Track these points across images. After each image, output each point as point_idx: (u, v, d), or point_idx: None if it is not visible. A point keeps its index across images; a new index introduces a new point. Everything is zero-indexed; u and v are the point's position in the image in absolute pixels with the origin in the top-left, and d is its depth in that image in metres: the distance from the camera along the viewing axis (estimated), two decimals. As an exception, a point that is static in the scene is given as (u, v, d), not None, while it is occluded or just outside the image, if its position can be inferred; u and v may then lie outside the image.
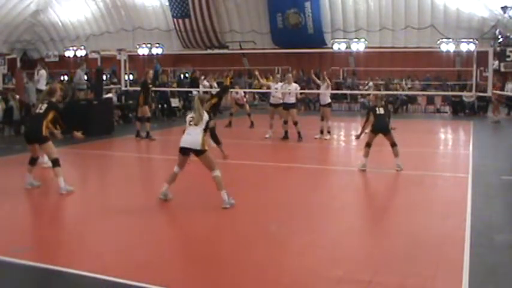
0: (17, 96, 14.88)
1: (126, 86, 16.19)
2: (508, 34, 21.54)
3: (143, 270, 4.58)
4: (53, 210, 6.75)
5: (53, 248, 5.14)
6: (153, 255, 5.12)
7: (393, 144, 9.20)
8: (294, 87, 13.33)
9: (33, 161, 7.63)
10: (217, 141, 9.85)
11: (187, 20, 27.56)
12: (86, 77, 18.69)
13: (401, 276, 4.46)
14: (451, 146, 14.03)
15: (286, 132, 13.19)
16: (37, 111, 7.53)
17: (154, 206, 6.88)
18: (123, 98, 18.97)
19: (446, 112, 22.50)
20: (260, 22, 27.27)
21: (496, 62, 19.72)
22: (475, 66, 13.60)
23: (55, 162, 7.42)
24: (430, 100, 23.17)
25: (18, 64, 21.36)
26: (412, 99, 22.88)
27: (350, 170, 9.54)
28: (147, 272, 4.51)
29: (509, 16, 21.27)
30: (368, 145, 9.22)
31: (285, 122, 13.19)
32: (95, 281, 4.30)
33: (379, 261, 4.82)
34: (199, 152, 6.53)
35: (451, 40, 21.45)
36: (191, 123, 6.61)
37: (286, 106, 13.22)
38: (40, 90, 15.77)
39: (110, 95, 17.48)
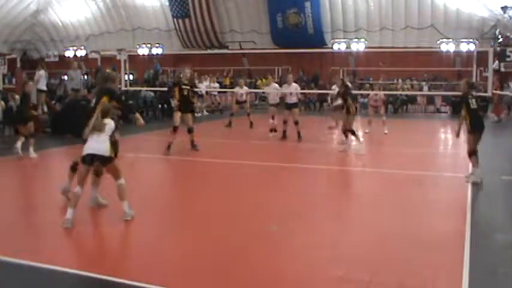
0: (17, 96, 14.87)
1: (126, 86, 16.19)
2: (508, 34, 21.53)
3: (143, 270, 4.58)
4: (53, 211, 6.74)
5: (53, 248, 5.14)
6: (153, 255, 5.12)
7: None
8: (294, 87, 13.41)
9: (97, 173, 6.49)
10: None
11: (187, 20, 27.57)
12: (85, 77, 18.68)
13: (401, 276, 4.45)
14: (451, 146, 14.03)
15: (284, 131, 13.29)
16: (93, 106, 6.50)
17: (153, 206, 6.88)
18: (123, 98, 18.95)
19: (446, 112, 22.52)
20: (260, 22, 27.27)
21: (496, 62, 19.70)
22: (475, 66, 13.62)
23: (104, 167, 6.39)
24: (430, 100, 23.19)
25: (18, 64, 21.37)
26: (412, 99, 22.90)
27: (350, 170, 9.54)
28: (147, 272, 4.51)
29: (509, 16, 21.25)
30: (473, 152, 7.88)
31: (285, 122, 13.24)
32: (95, 281, 4.30)
33: (379, 261, 4.81)
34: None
35: (451, 40, 21.47)
36: None
37: (288, 106, 13.28)
38: (40, 90, 15.81)
39: (109, 95, 17.45)
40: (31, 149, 10.78)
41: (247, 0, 26.79)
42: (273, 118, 14.01)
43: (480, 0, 22.40)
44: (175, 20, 27.90)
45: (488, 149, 11.40)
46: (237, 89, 17.07)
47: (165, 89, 20.32)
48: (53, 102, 17.09)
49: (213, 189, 7.95)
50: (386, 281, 4.35)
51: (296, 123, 13.01)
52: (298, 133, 13.00)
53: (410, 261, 4.83)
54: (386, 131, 14.23)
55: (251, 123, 16.19)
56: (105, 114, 6.15)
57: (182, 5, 27.13)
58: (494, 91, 13.02)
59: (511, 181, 8.47)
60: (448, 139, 15.60)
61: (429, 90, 23.23)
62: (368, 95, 14.46)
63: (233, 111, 16.65)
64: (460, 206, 6.79)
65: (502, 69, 20.34)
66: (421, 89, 23.17)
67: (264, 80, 25.93)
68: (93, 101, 6.47)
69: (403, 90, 22.26)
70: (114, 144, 6.11)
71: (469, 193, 7.49)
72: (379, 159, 9.98)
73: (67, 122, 14.13)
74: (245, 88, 17.19)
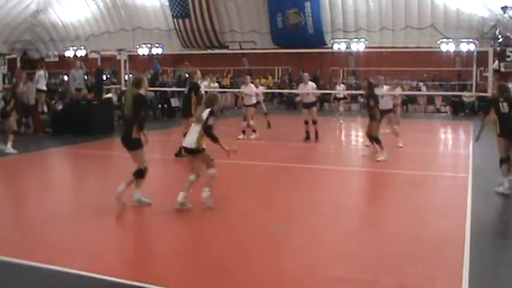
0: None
1: (126, 86, 16.19)
2: (508, 34, 21.52)
3: (143, 270, 4.58)
4: (53, 211, 6.74)
5: (53, 248, 5.14)
6: (153, 255, 5.12)
7: None
8: (311, 86, 13.26)
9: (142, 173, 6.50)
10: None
11: (187, 20, 27.55)
12: (85, 77, 18.70)
13: (401, 276, 4.46)
14: (451, 146, 14.03)
15: (307, 132, 13.09)
16: (126, 112, 6.52)
17: (153, 206, 6.88)
18: (123, 98, 18.97)
19: (446, 112, 22.52)
20: (260, 22, 27.25)
21: (496, 62, 19.70)
22: (475, 66, 13.61)
23: (139, 173, 6.51)
24: (430, 100, 23.19)
25: (18, 64, 21.38)
26: (412, 99, 22.89)
27: (350, 170, 9.54)
28: (147, 272, 4.51)
29: (509, 16, 21.24)
30: (504, 160, 7.51)
31: (306, 122, 13.07)
32: (95, 281, 4.30)
33: (379, 261, 4.81)
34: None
35: (451, 40, 21.46)
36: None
37: (307, 105, 13.16)
38: (40, 90, 15.82)
39: (109, 95, 17.50)
40: (9, 145, 10.84)
41: (247, 0, 26.78)
42: (252, 118, 13.75)
43: (480, 0, 22.38)
44: (175, 20, 27.88)
45: (488, 149, 11.39)
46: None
47: (166, 89, 20.35)
48: (53, 102, 17.09)
49: (212, 189, 7.94)
50: (386, 281, 4.35)
51: (314, 122, 12.92)
52: (316, 133, 12.93)
53: (411, 261, 4.83)
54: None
55: (268, 123, 15.69)
56: (209, 105, 6.56)
57: (182, 5, 27.11)
58: (494, 91, 12.96)
59: (511, 181, 8.45)
60: (448, 139, 15.62)
61: (427, 90, 23.21)
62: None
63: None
64: (460, 206, 6.79)
65: (502, 69, 20.34)
66: (418, 90, 23.16)
67: (270, 78, 25.99)
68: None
69: (403, 90, 22.23)
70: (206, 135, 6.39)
71: (469, 193, 7.49)
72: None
73: (67, 122, 14.16)
74: (261, 88, 16.81)
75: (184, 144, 6.58)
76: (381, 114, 11.27)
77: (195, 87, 10.27)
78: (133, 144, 6.39)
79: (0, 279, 4.42)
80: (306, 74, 14.03)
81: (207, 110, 6.51)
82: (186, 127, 9.95)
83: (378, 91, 11.84)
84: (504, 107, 7.50)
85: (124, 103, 6.61)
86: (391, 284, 4.30)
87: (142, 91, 6.54)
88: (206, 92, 22.27)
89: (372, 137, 10.26)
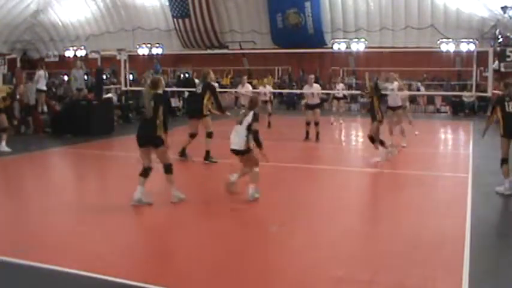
0: (17, 96, 14.88)
1: (126, 86, 16.18)
2: (508, 34, 21.50)
3: (143, 270, 4.58)
4: (53, 211, 6.74)
5: (53, 248, 5.14)
6: (153, 255, 5.12)
7: None
8: (316, 88, 13.38)
9: (146, 173, 6.71)
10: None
11: (187, 20, 27.54)
12: (85, 77, 18.70)
13: (401, 276, 4.46)
14: (451, 146, 14.03)
15: (307, 132, 13.22)
16: (149, 111, 6.63)
17: (154, 206, 6.88)
18: (123, 98, 18.99)
19: (446, 112, 22.52)
20: (260, 22, 27.25)
21: (496, 62, 19.69)
22: (475, 66, 13.60)
23: (168, 169, 6.74)
24: (430, 100, 23.18)
25: (18, 64, 21.37)
26: (411, 99, 22.85)
27: (350, 170, 9.54)
28: (147, 272, 4.51)
29: (509, 16, 21.23)
30: (505, 160, 7.44)
31: (308, 123, 13.17)
32: (95, 281, 4.30)
33: (379, 261, 4.82)
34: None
35: (451, 40, 21.45)
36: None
37: (311, 107, 13.25)
38: (40, 90, 15.82)
39: (109, 95, 17.50)
40: (3, 143, 10.94)
41: (247, 0, 26.77)
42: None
43: (480, 0, 22.38)
44: (175, 20, 27.88)
45: (488, 149, 11.40)
46: (260, 89, 16.84)
47: (165, 89, 20.29)
48: (53, 102, 17.09)
49: (213, 189, 7.95)
50: (386, 281, 4.35)
51: (316, 124, 13.03)
52: (317, 134, 13.01)
53: (411, 261, 4.83)
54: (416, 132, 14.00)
55: (269, 123, 15.89)
56: (253, 106, 6.96)
57: (182, 5, 27.11)
58: (494, 91, 12.95)
59: (511, 181, 8.45)
60: (448, 139, 15.61)
61: (427, 90, 23.20)
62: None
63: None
64: (460, 206, 6.79)
65: (502, 69, 20.33)
66: (417, 90, 23.15)
67: (270, 78, 25.95)
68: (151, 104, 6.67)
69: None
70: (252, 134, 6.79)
71: (469, 193, 7.49)
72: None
73: (67, 122, 14.16)
74: (268, 87, 16.84)
75: (232, 147, 6.93)
76: (391, 111, 11.61)
77: (212, 88, 10.07)
78: (158, 141, 6.57)
79: (0, 279, 4.42)
80: (311, 76, 14.11)
81: (251, 113, 6.84)
82: (194, 128, 10.01)
83: (388, 87, 11.90)
84: (510, 106, 7.41)
85: (143, 104, 6.88)
86: (391, 284, 4.30)
87: (160, 91, 6.75)
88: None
89: (373, 139, 10.01)
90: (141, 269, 4.61)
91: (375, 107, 9.95)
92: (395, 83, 12.11)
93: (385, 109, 11.42)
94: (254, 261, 4.86)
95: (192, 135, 10.03)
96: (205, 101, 9.93)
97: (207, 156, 9.93)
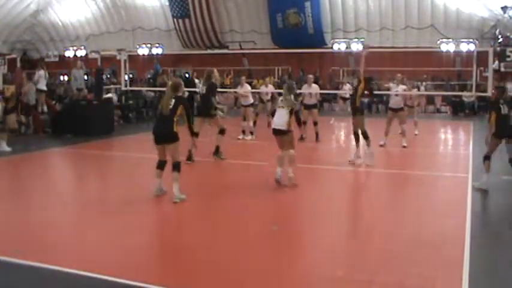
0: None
1: (126, 86, 16.18)
2: (508, 34, 21.51)
3: (143, 270, 4.58)
4: (53, 211, 6.74)
5: (53, 248, 5.14)
6: (153, 255, 5.12)
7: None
8: (315, 88, 13.36)
9: (162, 165, 7.06)
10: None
11: (187, 20, 27.54)
12: (85, 77, 18.69)
13: (401, 276, 4.46)
14: (451, 146, 14.03)
15: (302, 134, 13.17)
16: (167, 109, 7.02)
17: (154, 206, 6.89)
18: (123, 98, 18.99)
19: (446, 112, 22.52)
20: (260, 22, 27.24)
21: (496, 62, 19.69)
22: (475, 66, 13.60)
23: (177, 166, 6.97)
24: (430, 100, 23.18)
25: (18, 64, 21.36)
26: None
27: (350, 170, 9.53)
28: (147, 272, 4.51)
29: (509, 16, 21.24)
30: (488, 157, 7.85)
31: (304, 123, 13.14)
32: (95, 281, 4.30)
33: (379, 261, 4.82)
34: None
35: (451, 40, 21.45)
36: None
37: (308, 107, 13.18)
38: (40, 90, 15.82)
39: (109, 95, 17.50)
40: (3, 143, 11.09)
41: (247, 0, 26.76)
42: (252, 118, 13.84)
43: (480, 0, 22.38)
44: (175, 20, 27.87)
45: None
46: (262, 88, 16.80)
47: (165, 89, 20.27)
48: (53, 102, 17.09)
49: (213, 189, 7.95)
50: (386, 281, 4.35)
51: (315, 124, 13.02)
52: (316, 134, 12.98)
53: (410, 261, 4.83)
54: (416, 132, 14.09)
55: (269, 123, 15.86)
56: (293, 91, 7.91)
57: (182, 5, 27.10)
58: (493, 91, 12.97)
59: (511, 181, 8.46)
60: (448, 139, 15.61)
61: (426, 90, 23.18)
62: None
63: (258, 111, 15.77)
64: (460, 206, 6.79)
65: (502, 69, 20.33)
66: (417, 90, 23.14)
67: (271, 78, 25.93)
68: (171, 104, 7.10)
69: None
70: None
71: (469, 193, 7.49)
72: (379, 160, 9.96)
73: (67, 122, 14.16)
74: (270, 86, 16.85)
75: (274, 126, 7.74)
76: (392, 112, 11.72)
77: (213, 88, 10.16)
78: (174, 137, 6.96)
79: (0, 279, 4.42)
80: (310, 76, 14.12)
81: (292, 96, 7.75)
82: (197, 128, 9.82)
83: (394, 89, 11.97)
84: (505, 109, 7.76)
85: (161, 104, 7.31)
86: (391, 283, 4.30)
87: (180, 93, 7.28)
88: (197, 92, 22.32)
89: (357, 134, 9.76)
90: (141, 269, 4.61)
91: (356, 100, 9.69)
92: (401, 86, 12.16)
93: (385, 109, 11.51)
94: (254, 261, 4.86)
95: (220, 131, 10.15)
96: (212, 100, 10.00)
97: (217, 151, 10.02)
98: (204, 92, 10.18)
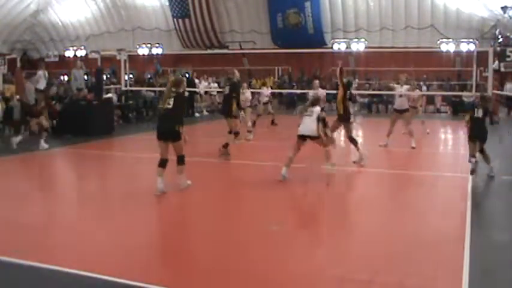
0: (17, 96, 14.88)
1: (126, 86, 16.18)
2: (508, 34, 21.50)
3: (143, 270, 4.58)
4: (53, 210, 6.75)
5: (53, 248, 5.14)
6: (153, 255, 5.12)
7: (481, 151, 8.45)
8: (321, 93, 13.48)
9: (164, 163, 7.22)
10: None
11: (187, 20, 27.54)
12: (85, 77, 18.68)
13: (401, 276, 4.46)
14: (451, 146, 14.03)
15: None
16: (166, 106, 7.24)
17: (154, 206, 6.89)
18: (123, 98, 18.98)
19: (446, 112, 22.51)
20: (260, 22, 27.24)
21: (496, 62, 19.68)
22: (475, 66, 13.60)
23: (182, 159, 7.34)
24: (430, 100, 23.18)
25: (18, 64, 21.36)
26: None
27: (350, 170, 9.53)
28: (147, 272, 4.51)
29: (509, 16, 21.22)
30: (472, 156, 8.33)
31: None
32: (95, 281, 4.30)
33: (379, 261, 4.82)
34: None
35: (451, 40, 21.44)
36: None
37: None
38: (40, 90, 15.81)
39: (109, 95, 17.49)
40: (42, 141, 11.63)
41: (247, 0, 26.76)
42: (250, 119, 14.01)
43: (480, 0, 22.38)
44: (175, 20, 27.87)
45: (488, 149, 11.40)
46: (264, 90, 16.90)
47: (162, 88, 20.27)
48: (53, 102, 17.08)
49: (213, 189, 7.96)
50: (386, 280, 4.35)
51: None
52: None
53: (411, 261, 4.83)
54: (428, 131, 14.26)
55: (273, 121, 16.38)
56: (315, 103, 8.42)
57: (182, 5, 27.10)
58: (493, 91, 12.99)
59: (511, 181, 8.47)
60: (448, 139, 15.60)
61: (427, 90, 23.20)
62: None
63: (260, 113, 15.99)
64: (460, 206, 6.79)
65: (502, 69, 20.33)
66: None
67: (271, 78, 25.94)
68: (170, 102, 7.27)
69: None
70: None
71: (469, 193, 7.49)
72: (379, 159, 9.97)
73: (67, 122, 14.15)
74: (321, 90, 16.86)
75: (304, 133, 8.23)
76: (397, 114, 11.75)
77: (237, 88, 10.52)
78: (177, 135, 7.18)
79: (0, 279, 4.42)
80: (316, 82, 14.77)
81: (318, 108, 8.25)
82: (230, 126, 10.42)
83: (397, 90, 11.97)
84: (478, 112, 8.38)
85: (161, 101, 7.50)
86: (391, 283, 4.30)
87: (181, 90, 7.36)
88: (206, 92, 22.39)
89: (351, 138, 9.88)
90: (141, 269, 4.61)
91: (344, 105, 9.69)
92: (405, 86, 12.12)
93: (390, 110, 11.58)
94: (254, 261, 4.86)
95: (235, 133, 10.52)
96: (233, 101, 10.26)
97: (225, 146, 10.32)
98: (227, 92, 10.56)
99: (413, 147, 11.61)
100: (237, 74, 10.83)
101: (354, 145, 9.90)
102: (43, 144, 11.59)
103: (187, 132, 7.46)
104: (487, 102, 8.85)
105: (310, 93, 13.61)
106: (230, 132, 10.43)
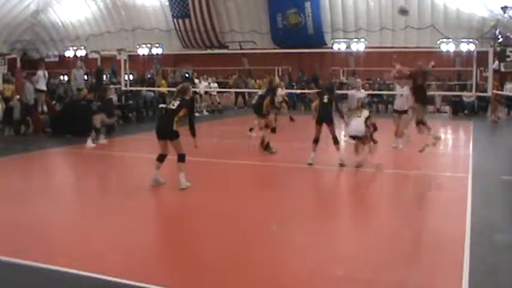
0: (17, 96, 14.89)
1: (126, 86, 16.17)
2: (508, 34, 21.51)
3: (143, 270, 4.58)
4: (53, 211, 6.74)
5: (53, 248, 5.14)
6: (153, 255, 5.12)
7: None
8: (363, 93, 13.88)
9: (161, 158, 7.67)
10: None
11: (187, 20, 27.57)
12: (85, 77, 18.68)
13: (401, 276, 4.45)
14: (451, 146, 14.02)
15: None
16: (169, 107, 7.75)
17: (154, 206, 6.89)
18: (123, 98, 18.97)
19: (446, 112, 22.51)
20: (260, 22, 27.26)
21: (496, 62, 19.68)
22: (475, 66, 13.61)
23: (181, 158, 7.57)
24: (430, 100, 23.17)
25: (18, 64, 21.36)
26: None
27: (350, 170, 9.53)
28: (147, 272, 4.51)
29: (509, 16, 21.24)
30: (315, 140, 9.69)
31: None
32: (95, 281, 4.30)
33: (379, 261, 4.81)
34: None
35: (451, 40, 21.45)
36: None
37: None
38: (40, 90, 15.82)
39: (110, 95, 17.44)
40: (101, 137, 12.45)
41: (247, 0, 26.78)
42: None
43: (480, 0, 22.38)
44: (175, 20, 27.90)
45: (488, 149, 11.43)
46: (279, 90, 16.81)
47: (166, 89, 20.29)
48: (53, 102, 17.09)
49: (213, 189, 7.95)
50: (386, 280, 4.35)
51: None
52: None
53: (410, 260, 4.83)
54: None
55: (291, 117, 16.97)
56: (363, 106, 9.78)
57: (182, 5, 27.12)
58: (493, 91, 12.98)
59: (511, 181, 8.46)
60: (448, 139, 15.59)
61: (429, 90, 23.22)
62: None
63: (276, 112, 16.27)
64: (460, 206, 6.79)
65: (502, 69, 20.33)
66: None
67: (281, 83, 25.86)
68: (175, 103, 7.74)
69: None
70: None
71: (469, 193, 7.49)
72: (378, 160, 9.94)
73: (67, 122, 14.14)
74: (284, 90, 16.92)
75: (354, 134, 9.27)
76: (397, 114, 11.94)
77: (272, 92, 11.42)
78: (175, 135, 7.53)
79: (0, 279, 4.42)
80: (358, 81, 15.17)
81: (366, 111, 9.38)
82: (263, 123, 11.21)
83: (398, 90, 11.98)
84: (325, 99, 9.56)
85: (168, 103, 8.02)
86: (391, 283, 4.30)
87: (187, 97, 7.81)
88: (206, 92, 22.39)
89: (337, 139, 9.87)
90: (141, 269, 4.61)
91: (330, 108, 9.68)
92: (406, 87, 12.07)
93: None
94: (254, 261, 4.86)
95: (272, 130, 11.33)
96: (266, 102, 11.10)
97: (266, 146, 11.18)
98: (262, 93, 11.59)
99: (394, 147, 11.51)
100: (277, 81, 12.12)
101: (334, 144, 9.80)
102: (91, 143, 11.90)
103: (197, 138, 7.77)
104: (332, 90, 10.06)
105: (352, 92, 13.57)
106: (266, 127, 11.18)
